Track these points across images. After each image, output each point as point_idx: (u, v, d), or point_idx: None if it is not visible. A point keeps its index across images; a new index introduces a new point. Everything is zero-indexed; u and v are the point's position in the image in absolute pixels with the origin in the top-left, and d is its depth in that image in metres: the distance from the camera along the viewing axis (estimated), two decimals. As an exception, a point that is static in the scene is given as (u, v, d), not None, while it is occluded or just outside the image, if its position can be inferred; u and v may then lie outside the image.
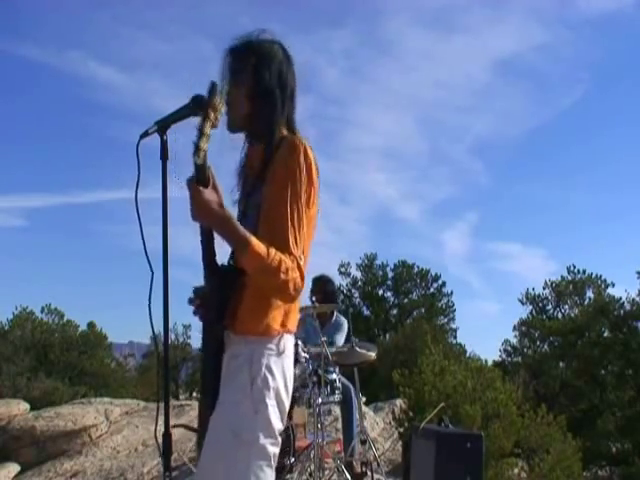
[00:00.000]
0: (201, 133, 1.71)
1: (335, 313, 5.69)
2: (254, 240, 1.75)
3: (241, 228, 1.77)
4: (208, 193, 1.76)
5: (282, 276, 1.75)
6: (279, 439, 1.87)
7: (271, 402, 1.83)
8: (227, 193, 2.04)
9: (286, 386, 1.89)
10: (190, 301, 2.00)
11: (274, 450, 1.85)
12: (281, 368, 1.87)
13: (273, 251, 1.75)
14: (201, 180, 1.77)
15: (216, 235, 1.87)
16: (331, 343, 5.37)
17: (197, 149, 1.72)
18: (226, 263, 1.97)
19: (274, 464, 1.86)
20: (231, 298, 1.88)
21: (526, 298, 20.54)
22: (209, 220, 1.80)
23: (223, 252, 1.97)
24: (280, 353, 1.88)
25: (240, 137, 2.06)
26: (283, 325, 1.90)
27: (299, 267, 1.79)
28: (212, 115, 1.73)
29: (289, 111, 2.02)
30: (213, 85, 1.75)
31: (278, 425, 1.85)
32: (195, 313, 1.98)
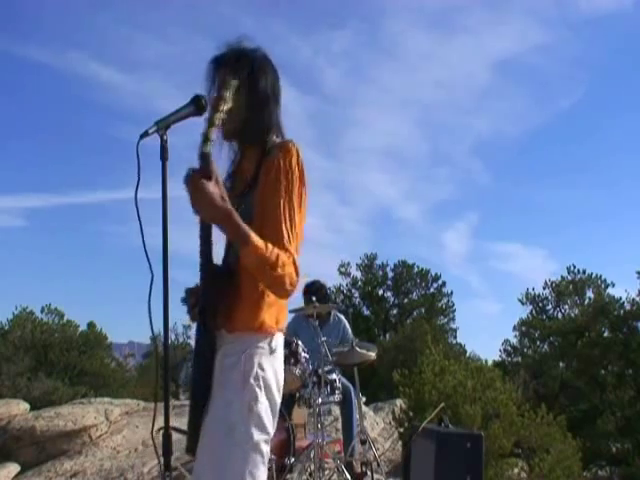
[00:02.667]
0: (210, 123, 1.72)
1: (332, 312, 5.70)
2: (254, 235, 1.79)
3: (242, 223, 1.79)
4: (212, 186, 1.76)
5: (279, 270, 1.79)
6: (270, 437, 1.88)
7: (263, 400, 1.86)
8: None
9: (278, 384, 1.92)
10: (183, 300, 2.03)
11: (267, 448, 1.87)
12: (272, 366, 1.91)
13: (271, 246, 1.80)
14: (206, 173, 1.76)
15: (215, 233, 1.88)
16: (343, 341, 5.40)
17: (206, 139, 1.72)
18: (220, 263, 1.99)
19: (266, 462, 1.87)
20: (225, 297, 1.89)
21: (526, 298, 20.55)
22: (213, 213, 1.78)
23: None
24: (272, 351, 1.91)
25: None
26: (277, 322, 1.94)
27: (294, 263, 1.83)
28: (222, 106, 1.74)
29: (279, 116, 2.10)
30: (227, 80, 1.75)
31: (269, 425, 1.88)
32: (189, 312, 2.01)
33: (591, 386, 16.47)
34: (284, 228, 1.85)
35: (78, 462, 7.21)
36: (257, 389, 1.85)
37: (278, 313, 1.96)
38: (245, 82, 1.99)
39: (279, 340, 1.97)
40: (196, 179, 1.75)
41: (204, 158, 1.75)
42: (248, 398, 1.84)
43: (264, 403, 1.86)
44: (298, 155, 1.96)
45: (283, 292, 1.86)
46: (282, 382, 1.96)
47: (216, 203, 1.75)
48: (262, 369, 1.87)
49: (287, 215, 1.88)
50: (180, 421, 2.68)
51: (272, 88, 2.06)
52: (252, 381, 1.85)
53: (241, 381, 1.85)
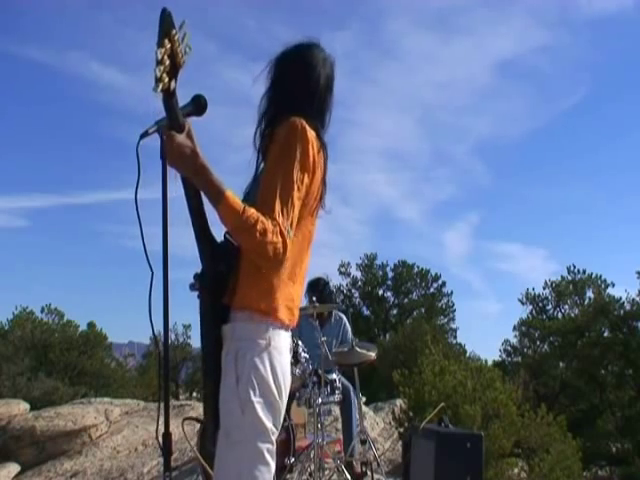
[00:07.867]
0: (156, 61, 1.56)
1: (333, 312, 5.69)
2: (230, 194, 1.72)
3: (217, 179, 1.73)
4: (181, 138, 1.72)
5: (258, 236, 1.70)
6: (272, 436, 1.84)
7: (257, 399, 1.80)
8: None
9: (276, 381, 1.84)
10: (191, 287, 1.95)
11: (267, 446, 1.82)
12: (269, 363, 1.82)
13: (251, 210, 1.72)
14: (174, 125, 1.72)
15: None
16: (342, 342, 5.38)
17: (155, 79, 1.57)
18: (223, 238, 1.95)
19: (271, 460, 1.84)
20: (228, 273, 1.85)
21: (526, 298, 20.60)
22: (181, 165, 1.74)
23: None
24: (266, 347, 1.83)
25: None
26: (278, 311, 1.86)
27: (282, 234, 1.74)
28: (166, 42, 1.58)
29: (304, 104, 2.00)
30: (164, 11, 1.59)
31: (269, 422, 1.82)
32: (199, 296, 1.93)
33: (591, 386, 16.50)
34: (277, 201, 1.77)
35: (78, 462, 7.21)
36: (250, 390, 1.79)
37: (281, 302, 1.87)
38: (267, 74, 2.05)
39: (277, 335, 1.87)
40: (164, 131, 1.72)
41: (167, 109, 1.69)
42: (242, 400, 1.79)
43: (260, 402, 1.80)
44: (304, 132, 1.87)
45: (265, 261, 1.77)
46: (284, 377, 1.87)
47: (184, 154, 1.71)
48: (255, 368, 1.80)
49: (283, 189, 1.80)
50: (180, 421, 2.68)
51: (293, 76, 2.02)
52: (244, 382, 1.79)
53: (234, 382, 1.80)
